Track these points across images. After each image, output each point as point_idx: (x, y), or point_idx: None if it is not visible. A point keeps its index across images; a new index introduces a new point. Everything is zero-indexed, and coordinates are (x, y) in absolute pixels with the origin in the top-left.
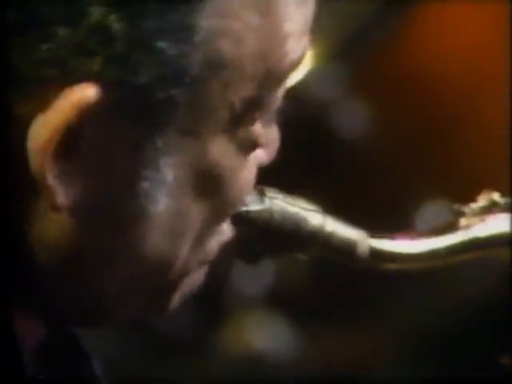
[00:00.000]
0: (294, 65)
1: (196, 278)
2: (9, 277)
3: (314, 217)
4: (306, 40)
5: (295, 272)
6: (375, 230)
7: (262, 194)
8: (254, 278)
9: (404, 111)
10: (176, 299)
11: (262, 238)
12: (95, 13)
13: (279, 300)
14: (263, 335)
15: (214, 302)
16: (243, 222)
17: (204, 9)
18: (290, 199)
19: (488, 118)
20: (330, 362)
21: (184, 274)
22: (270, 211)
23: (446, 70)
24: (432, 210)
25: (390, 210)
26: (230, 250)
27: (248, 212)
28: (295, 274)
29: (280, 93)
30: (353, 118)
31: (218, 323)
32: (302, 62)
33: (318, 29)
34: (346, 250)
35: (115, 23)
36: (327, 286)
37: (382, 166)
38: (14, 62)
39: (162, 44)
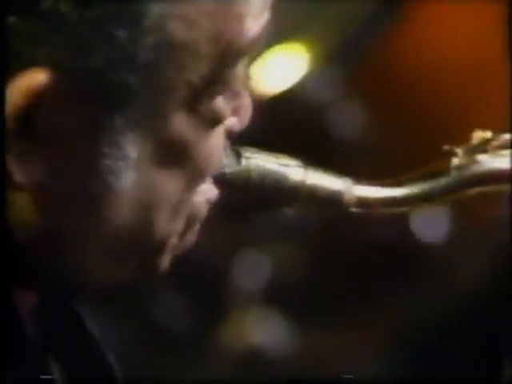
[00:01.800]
0: (253, 42)
1: (187, 238)
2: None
3: (294, 172)
4: (264, 18)
5: (293, 269)
6: (364, 177)
7: (238, 155)
8: (253, 276)
9: (398, 112)
10: (166, 260)
11: (243, 197)
12: (46, 0)
13: (277, 297)
14: (261, 331)
15: (213, 298)
16: (222, 183)
17: None
18: (270, 157)
19: (485, 117)
20: (327, 357)
21: (167, 237)
22: (247, 171)
23: (440, 71)
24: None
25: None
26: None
27: (225, 174)
28: (293, 272)
29: (243, 69)
30: (348, 119)
31: (217, 320)
32: (262, 39)
33: (313, 32)
34: (331, 200)
35: (67, 9)
36: (325, 283)
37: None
38: None
39: (112, 29)
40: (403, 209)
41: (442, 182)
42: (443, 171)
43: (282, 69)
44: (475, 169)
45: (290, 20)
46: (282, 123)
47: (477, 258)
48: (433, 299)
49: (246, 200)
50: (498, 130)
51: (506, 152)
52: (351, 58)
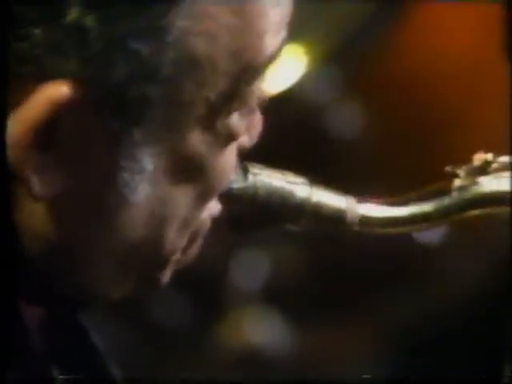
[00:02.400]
0: (271, 59)
1: (190, 252)
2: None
3: (300, 189)
4: (282, 35)
5: (292, 269)
6: (366, 196)
7: (245, 171)
8: (251, 275)
9: (397, 112)
10: (167, 275)
11: (249, 213)
12: (71, 13)
13: (276, 297)
14: (260, 331)
15: (211, 298)
16: (229, 199)
17: (177, 9)
18: (276, 174)
19: (481, 117)
20: (325, 356)
21: (173, 251)
22: (254, 187)
23: (440, 73)
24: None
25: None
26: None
27: (232, 189)
28: (291, 272)
29: (259, 85)
30: (347, 120)
31: (215, 319)
32: (279, 56)
33: (312, 33)
34: (335, 218)
35: (91, 24)
36: (323, 283)
37: (376, 154)
38: None
39: (135, 44)
40: (405, 229)
41: (443, 202)
42: (445, 192)
43: (280, 70)
44: (476, 190)
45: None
46: (280, 124)
47: (474, 258)
48: (431, 300)
49: (251, 216)
50: (496, 132)
51: (507, 174)
52: (350, 59)
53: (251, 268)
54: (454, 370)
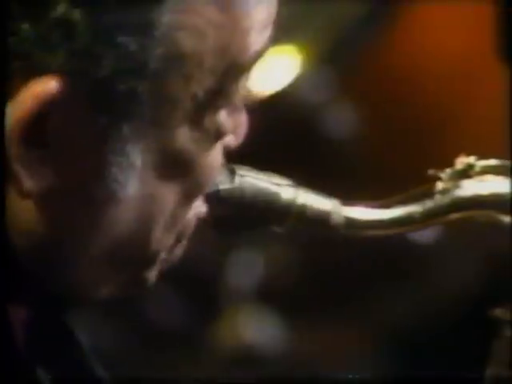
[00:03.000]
0: (256, 57)
1: (175, 253)
2: None
3: (285, 191)
4: (267, 34)
5: (287, 268)
6: (350, 198)
7: (232, 173)
8: (247, 274)
9: (390, 112)
10: (153, 276)
11: (235, 215)
12: (59, 7)
13: (270, 296)
14: (256, 330)
15: (207, 297)
16: (215, 201)
17: (164, 4)
18: (262, 175)
19: (475, 117)
20: (319, 355)
21: (160, 250)
22: (241, 189)
23: (432, 72)
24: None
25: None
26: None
27: (219, 191)
28: (286, 271)
29: (244, 83)
30: (340, 121)
31: (211, 318)
32: (265, 54)
33: (305, 34)
34: (320, 220)
35: (78, 17)
36: (317, 282)
37: (370, 155)
38: None
39: (122, 38)
40: (389, 231)
41: (426, 205)
42: (429, 195)
43: (274, 70)
44: (458, 194)
45: (282, 22)
46: (274, 125)
47: (468, 258)
48: (424, 299)
49: (237, 218)
50: (489, 132)
51: (489, 177)
52: (344, 60)
53: (246, 267)
54: (446, 369)
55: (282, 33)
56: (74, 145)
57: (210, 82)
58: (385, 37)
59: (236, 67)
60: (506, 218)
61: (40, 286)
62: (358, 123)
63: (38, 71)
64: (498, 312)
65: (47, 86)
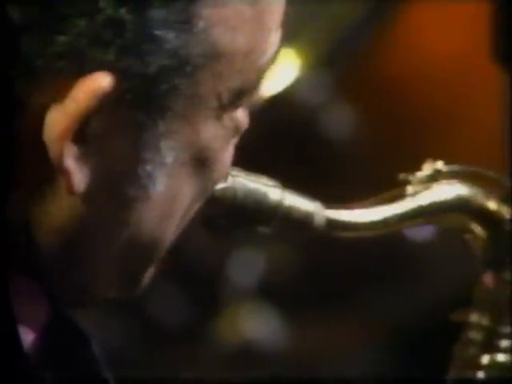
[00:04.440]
0: (273, 59)
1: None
2: (11, 264)
3: (273, 192)
4: (279, 35)
5: (286, 266)
6: (329, 201)
7: None
8: (248, 272)
9: (388, 114)
10: (149, 276)
11: (227, 214)
12: (108, 5)
13: (271, 293)
14: (256, 326)
15: (208, 294)
16: (208, 199)
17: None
18: (251, 177)
19: (471, 118)
20: (320, 351)
21: (165, 249)
22: (233, 189)
23: (430, 75)
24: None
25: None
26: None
27: (214, 190)
28: (286, 268)
29: (262, 83)
30: (337, 123)
31: (212, 315)
32: (277, 57)
33: (303, 37)
34: (303, 221)
35: (126, 14)
36: (317, 279)
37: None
38: (29, 56)
39: (167, 34)
40: (365, 233)
41: (398, 209)
42: (400, 197)
43: (272, 74)
44: (426, 198)
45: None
46: (272, 127)
47: (464, 256)
48: (423, 297)
49: (227, 217)
50: (485, 133)
51: (455, 182)
52: (340, 63)
53: (247, 265)
54: (442, 368)
55: (281, 36)
56: (113, 141)
57: (233, 83)
58: (383, 39)
59: (257, 68)
60: (473, 224)
61: (60, 284)
62: (356, 125)
63: (89, 68)
64: (460, 315)
65: (99, 83)
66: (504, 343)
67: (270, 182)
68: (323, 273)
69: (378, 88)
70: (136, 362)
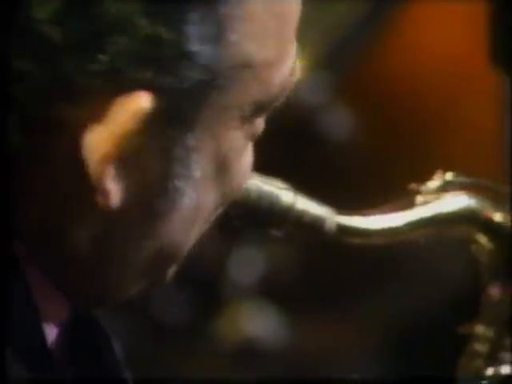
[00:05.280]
0: (293, 72)
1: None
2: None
3: (286, 195)
4: (295, 47)
5: (288, 264)
6: (341, 207)
7: None
8: (249, 269)
9: (388, 117)
10: (172, 271)
11: (240, 215)
12: (147, 23)
13: (272, 290)
14: (257, 324)
15: (209, 291)
16: None
17: (225, 12)
18: (265, 179)
19: (471, 121)
20: (320, 349)
21: (187, 251)
22: (247, 190)
23: (428, 77)
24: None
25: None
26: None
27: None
28: (288, 266)
29: (281, 97)
30: (336, 125)
31: (213, 312)
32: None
33: (302, 40)
34: (315, 226)
35: (164, 32)
36: (319, 277)
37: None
38: (68, 74)
39: (201, 49)
40: (375, 241)
41: (407, 217)
42: (410, 207)
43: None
44: (435, 208)
45: None
46: (272, 129)
47: (464, 256)
48: (421, 298)
49: (241, 219)
50: (483, 136)
51: (464, 193)
52: (340, 66)
53: (248, 263)
54: (442, 369)
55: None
56: (149, 158)
57: (259, 94)
58: (382, 41)
59: (280, 79)
60: (480, 236)
61: (82, 288)
62: (354, 126)
63: (128, 87)
64: (467, 327)
65: (142, 102)
66: (509, 356)
67: (283, 185)
68: (324, 271)
69: (379, 88)
70: (136, 361)
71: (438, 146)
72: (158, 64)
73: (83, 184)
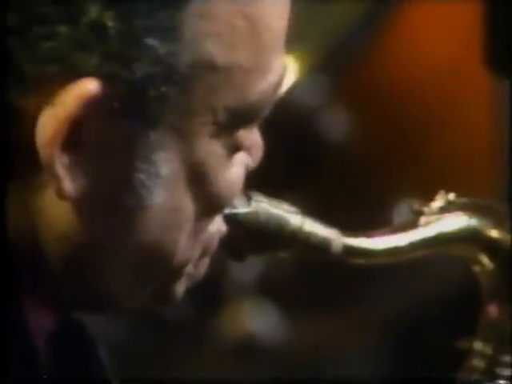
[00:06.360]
0: (278, 85)
1: (200, 268)
2: (17, 269)
3: (294, 218)
4: (282, 62)
5: (288, 263)
6: (346, 228)
7: (248, 198)
8: (249, 267)
9: (380, 119)
10: (180, 289)
11: (249, 237)
12: (92, 10)
13: (273, 289)
14: (257, 322)
15: (211, 289)
16: (232, 222)
17: (188, 9)
18: (273, 202)
19: (467, 122)
20: (316, 346)
21: (186, 263)
22: (256, 213)
23: (425, 78)
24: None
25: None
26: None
27: (236, 214)
28: (288, 265)
29: (265, 110)
30: (333, 126)
31: (214, 310)
32: (282, 86)
33: (300, 42)
34: (321, 247)
35: (110, 21)
36: (314, 277)
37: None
38: (16, 61)
39: (152, 42)
40: (378, 260)
41: (410, 238)
42: (413, 227)
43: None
44: (438, 228)
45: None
46: (269, 129)
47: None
48: (421, 297)
49: (249, 241)
50: (482, 139)
51: (465, 213)
52: (337, 67)
53: (248, 261)
54: (440, 369)
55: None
56: (106, 149)
57: (234, 100)
58: (380, 44)
59: (261, 90)
60: (481, 255)
61: (68, 292)
62: (352, 127)
63: (74, 74)
64: (465, 343)
65: (87, 88)
66: (506, 372)
67: (292, 208)
68: (323, 270)
69: (376, 90)
70: (136, 360)
71: (436, 147)
72: (102, 52)
73: (39, 171)
